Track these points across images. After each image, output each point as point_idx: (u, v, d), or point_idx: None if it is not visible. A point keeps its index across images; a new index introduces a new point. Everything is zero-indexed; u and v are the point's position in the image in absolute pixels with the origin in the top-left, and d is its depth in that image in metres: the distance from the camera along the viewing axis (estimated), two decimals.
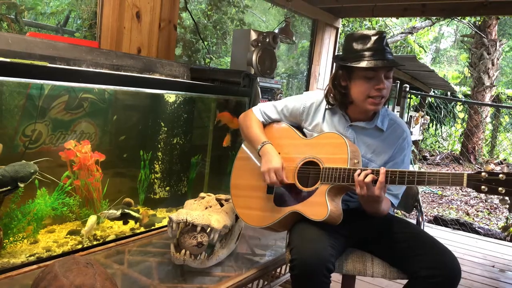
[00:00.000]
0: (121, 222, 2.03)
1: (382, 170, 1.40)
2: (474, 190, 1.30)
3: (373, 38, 1.51)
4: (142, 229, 2.08)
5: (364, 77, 1.52)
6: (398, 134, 1.65)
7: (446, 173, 1.33)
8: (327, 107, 1.69)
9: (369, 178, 1.40)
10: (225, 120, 2.57)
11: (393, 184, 1.42)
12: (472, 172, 1.30)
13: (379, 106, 1.56)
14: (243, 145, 1.85)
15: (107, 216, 1.95)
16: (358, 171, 1.44)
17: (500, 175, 1.25)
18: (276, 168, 1.59)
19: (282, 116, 1.78)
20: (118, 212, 1.97)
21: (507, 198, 1.29)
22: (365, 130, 1.64)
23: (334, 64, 4.99)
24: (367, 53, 1.50)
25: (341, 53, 1.65)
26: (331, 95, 1.65)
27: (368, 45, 1.51)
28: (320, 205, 1.49)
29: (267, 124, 1.81)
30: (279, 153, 1.67)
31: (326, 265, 1.36)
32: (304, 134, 1.74)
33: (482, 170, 1.29)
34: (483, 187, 1.27)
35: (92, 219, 1.86)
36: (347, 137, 1.59)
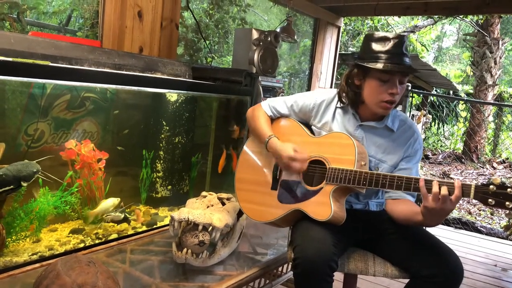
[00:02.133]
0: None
1: (458, 183, 1.29)
2: (480, 203, 1.29)
3: (393, 41, 1.50)
4: (144, 228, 2.08)
5: (378, 79, 1.51)
6: (409, 135, 1.64)
7: (454, 183, 1.31)
8: (338, 105, 1.68)
9: (445, 191, 1.29)
10: (236, 134, 2.60)
11: (400, 189, 1.41)
12: (480, 184, 1.28)
13: (389, 110, 1.56)
14: (249, 140, 1.85)
15: (111, 219, 1.96)
16: (422, 182, 1.33)
17: (509, 189, 1.25)
18: (291, 156, 1.57)
19: (292, 111, 1.78)
20: (122, 216, 1.99)
21: None
22: (375, 129, 1.63)
23: (341, 62, 4.99)
24: (384, 56, 1.49)
25: (358, 52, 1.64)
26: (344, 93, 1.64)
27: (387, 47, 1.50)
28: (324, 205, 1.49)
29: (275, 119, 1.81)
30: None
31: (329, 264, 1.36)
32: (312, 131, 1.73)
33: (490, 182, 1.27)
34: (490, 200, 1.26)
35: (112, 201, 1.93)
36: (355, 137, 1.59)
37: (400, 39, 1.51)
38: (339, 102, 1.68)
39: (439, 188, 1.29)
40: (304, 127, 1.73)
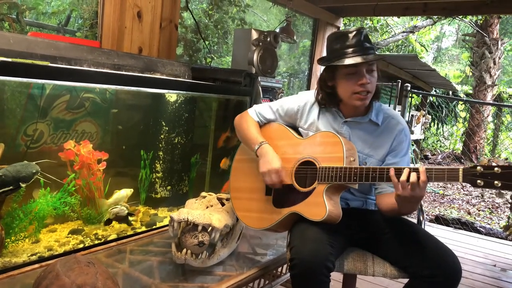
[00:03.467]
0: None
1: (422, 168, 1.33)
2: (470, 185, 1.30)
3: (351, 35, 1.53)
4: (144, 229, 2.08)
5: (346, 74, 1.54)
6: (393, 127, 1.64)
7: (442, 168, 1.33)
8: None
9: (414, 177, 1.33)
10: (221, 141, 2.61)
11: (388, 181, 1.41)
12: (468, 167, 1.30)
13: (365, 101, 1.57)
14: (240, 148, 1.85)
15: (116, 212, 1.95)
16: (392, 171, 1.38)
17: (496, 169, 1.26)
18: (276, 169, 1.59)
19: (278, 115, 1.79)
20: (125, 212, 1.98)
21: (504, 191, 1.29)
22: (360, 124, 1.64)
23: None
24: (347, 50, 1.52)
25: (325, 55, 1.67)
26: (320, 96, 1.67)
27: (347, 42, 1.53)
28: (319, 205, 1.49)
29: (262, 125, 1.81)
30: None
31: (325, 264, 1.36)
32: (299, 134, 1.74)
33: (478, 164, 1.29)
34: (478, 181, 1.28)
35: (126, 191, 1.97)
36: (342, 135, 1.60)
37: (358, 31, 1.54)
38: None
39: (407, 176, 1.33)
40: (291, 130, 1.73)
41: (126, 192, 2.02)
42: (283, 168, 1.62)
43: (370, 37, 1.59)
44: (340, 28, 5.11)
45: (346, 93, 1.57)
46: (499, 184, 1.25)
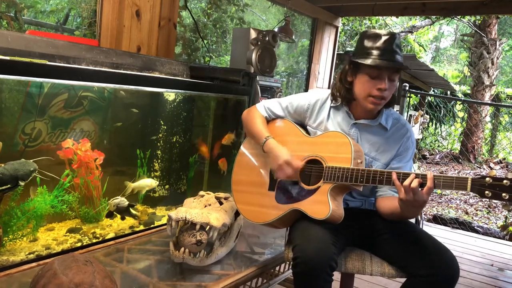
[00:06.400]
0: (119, 218, 2.02)
1: (430, 175, 1.35)
2: (477, 195, 1.30)
3: (384, 38, 1.52)
4: (142, 227, 2.08)
5: (368, 75, 1.53)
6: (402, 133, 1.66)
7: (450, 177, 1.33)
8: (332, 104, 1.70)
9: (415, 183, 1.35)
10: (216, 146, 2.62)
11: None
12: (477, 177, 1.30)
13: (378, 106, 1.57)
14: (245, 141, 1.85)
15: (118, 203, 1.94)
16: (395, 175, 1.39)
17: (505, 181, 1.26)
18: (286, 160, 1.58)
19: (287, 112, 1.79)
20: (126, 203, 1.96)
21: (510, 204, 1.29)
22: (369, 127, 1.65)
23: (339, 62, 5.01)
24: (375, 52, 1.51)
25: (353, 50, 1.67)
26: (337, 90, 1.66)
27: (378, 44, 1.52)
28: (322, 204, 1.49)
29: (270, 120, 1.82)
30: None
31: (329, 263, 1.37)
32: (307, 132, 1.74)
33: (487, 175, 1.29)
34: (487, 192, 1.28)
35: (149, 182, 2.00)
36: (350, 136, 1.60)
37: (391, 36, 1.53)
38: (333, 101, 1.69)
39: (410, 181, 1.34)
40: (299, 128, 1.73)
41: (151, 181, 2.06)
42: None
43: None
44: (339, 28, 5.11)
45: (362, 93, 1.56)
46: (507, 197, 1.26)
